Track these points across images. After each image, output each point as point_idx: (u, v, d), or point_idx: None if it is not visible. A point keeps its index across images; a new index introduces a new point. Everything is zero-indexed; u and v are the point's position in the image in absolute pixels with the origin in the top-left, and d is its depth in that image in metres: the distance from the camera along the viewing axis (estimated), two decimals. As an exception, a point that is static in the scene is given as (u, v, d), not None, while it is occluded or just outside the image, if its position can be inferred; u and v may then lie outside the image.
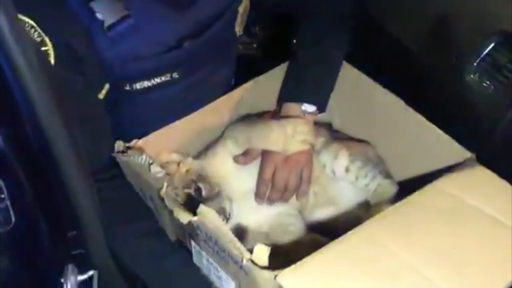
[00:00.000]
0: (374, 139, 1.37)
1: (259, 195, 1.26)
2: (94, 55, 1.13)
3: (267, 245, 1.02)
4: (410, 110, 1.30)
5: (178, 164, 1.23)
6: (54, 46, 1.05)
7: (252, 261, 1.01)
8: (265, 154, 1.25)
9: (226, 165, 1.26)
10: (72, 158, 0.88)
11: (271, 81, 1.37)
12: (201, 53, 1.25)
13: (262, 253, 1.02)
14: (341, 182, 1.30)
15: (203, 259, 1.19)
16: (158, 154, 1.23)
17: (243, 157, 1.26)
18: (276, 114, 1.31)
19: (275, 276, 0.97)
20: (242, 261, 1.01)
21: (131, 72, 1.19)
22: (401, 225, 1.07)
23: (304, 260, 0.99)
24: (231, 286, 1.14)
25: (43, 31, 1.04)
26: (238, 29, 1.35)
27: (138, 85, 1.20)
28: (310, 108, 1.27)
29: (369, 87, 1.35)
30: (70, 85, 1.09)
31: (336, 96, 1.36)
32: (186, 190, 1.18)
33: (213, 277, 1.19)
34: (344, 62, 1.35)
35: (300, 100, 1.27)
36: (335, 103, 1.36)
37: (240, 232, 1.24)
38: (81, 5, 1.10)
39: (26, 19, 1.02)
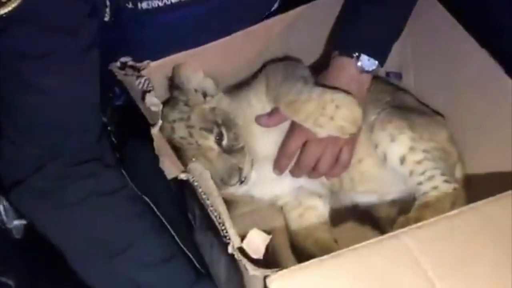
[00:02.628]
0: (454, 106, 1.11)
1: (278, 167, 1.05)
2: None
3: (266, 232, 0.79)
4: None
5: (205, 96, 1.01)
6: None
7: (241, 250, 0.77)
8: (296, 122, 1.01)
9: None
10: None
11: (324, 10, 1.10)
12: None
13: (257, 240, 0.78)
14: (391, 170, 1.05)
15: (195, 210, 0.98)
16: (182, 69, 1.00)
17: (267, 118, 1.02)
18: (323, 71, 1.03)
19: (265, 277, 0.76)
20: (227, 247, 0.77)
21: None
22: (454, 242, 0.81)
23: (308, 263, 0.77)
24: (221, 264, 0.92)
25: None
26: None
27: (144, 4, 0.98)
28: (369, 64, 1.01)
29: (457, 34, 1.06)
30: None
31: (413, 43, 1.12)
32: (204, 132, 0.98)
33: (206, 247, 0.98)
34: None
35: (357, 50, 1.00)
36: (411, 53, 1.13)
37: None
38: None
39: None
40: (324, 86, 0.99)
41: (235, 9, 1.05)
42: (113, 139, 1.10)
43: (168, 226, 0.97)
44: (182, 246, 0.95)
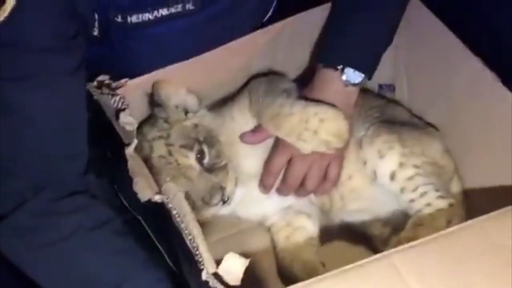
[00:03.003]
0: (449, 117, 1.06)
1: (263, 186, 1.00)
2: None
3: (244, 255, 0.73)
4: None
5: (186, 112, 0.97)
6: None
7: (216, 276, 0.72)
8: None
9: None
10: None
11: (311, 22, 1.07)
12: None
13: (234, 265, 0.73)
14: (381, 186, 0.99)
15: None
16: (161, 86, 0.96)
17: (251, 135, 0.98)
18: (308, 85, 0.99)
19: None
20: (201, 273, 0.72)
21: (123, 2, 0.93)
22: (450, 260, 0.75)
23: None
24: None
25: None
26: None
27: (134, 18, 0.95)
28: (355, 77, 0.95)
29: (450, 43, 1.01)
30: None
31: (405, 54, 1.07)
32: (184, 150, 0.93)
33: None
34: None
35: (342, 63, 0.95)
36: (403, 64, 1.08)
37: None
38: None
39: None
40: (307, 99, 0.94)
41: (226, 20, 1.02)
42: (108, 153, 1.03)
43: (159, 246, 0.92)
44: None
